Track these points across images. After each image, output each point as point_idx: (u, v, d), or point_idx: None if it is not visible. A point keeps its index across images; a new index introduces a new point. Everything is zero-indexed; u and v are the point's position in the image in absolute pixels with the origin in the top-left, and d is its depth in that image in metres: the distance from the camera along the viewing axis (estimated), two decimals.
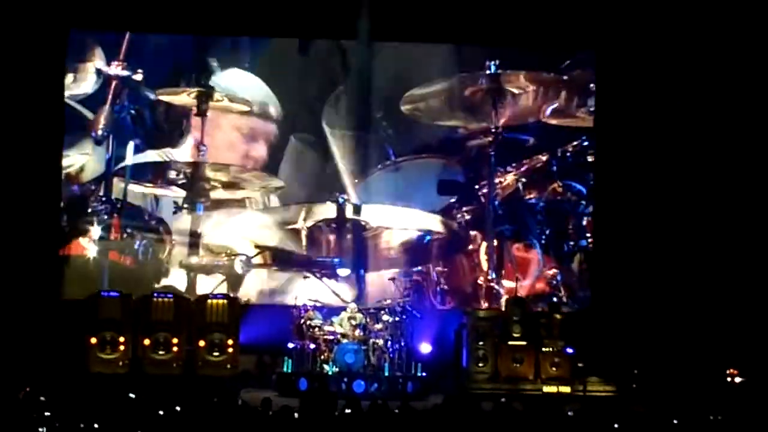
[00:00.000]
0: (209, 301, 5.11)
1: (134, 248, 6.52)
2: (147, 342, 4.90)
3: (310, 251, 6.98)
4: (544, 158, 7.39)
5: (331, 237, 6.98)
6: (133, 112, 6.74)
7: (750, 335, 4.94)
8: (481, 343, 5.42)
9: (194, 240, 6.69)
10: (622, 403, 4.80)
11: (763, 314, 4.96)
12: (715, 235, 5.13)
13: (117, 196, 6.46)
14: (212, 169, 6.74)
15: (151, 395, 4.38)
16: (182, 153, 8.26)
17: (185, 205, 6.82)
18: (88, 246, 6.19)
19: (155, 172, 6.83)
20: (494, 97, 7.02)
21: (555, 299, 6.94)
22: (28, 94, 5.32)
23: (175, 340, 4.94)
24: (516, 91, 7.14)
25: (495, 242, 6.98)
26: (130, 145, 6.91)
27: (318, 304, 5.95)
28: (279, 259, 7.25)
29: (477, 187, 7.46)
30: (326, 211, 6.84)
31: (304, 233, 6.94)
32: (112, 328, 4.89)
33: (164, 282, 6.67)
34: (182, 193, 6.78)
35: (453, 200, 7.51)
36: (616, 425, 4.04)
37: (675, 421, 4.04)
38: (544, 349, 5.32)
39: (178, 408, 4.20)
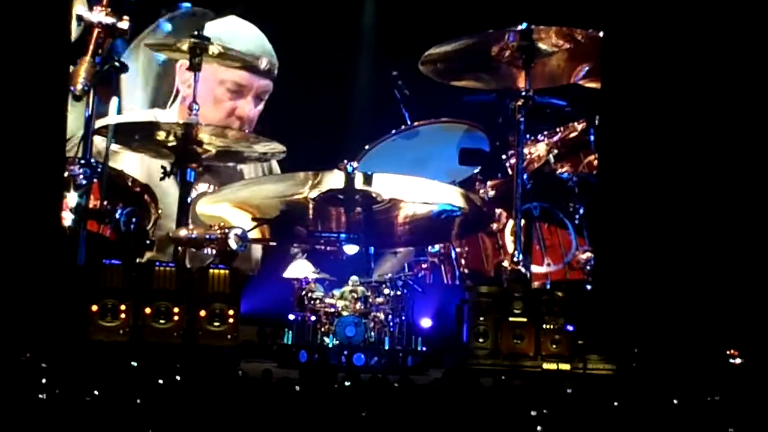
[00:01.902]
0: (211, 270, 6.58)
1: (115, 218, 7.68)
2: (148, 310, 6.36)
3: (314, 225, 8.42)
4: (579, 126, 9.05)
5: (339, 210, 8.31)
6: (117, 64, 7.66)
7: (751, 316, 6.55)
8: (481, 318, 6.93)
9: (183, 210, 7.90)
10: (621, 381, 6.34)
11: (764, 295, 6.64)
12: (720, 215, 6.58)
13: (97, 159, 7.39)
14: (206, 132, 7.87)
15: (152, 364, 5.85)
16: (171, 115, 9.68)
17: (175, 171, 8.00)
18: (63, 214, 7.07)
19: (142, 133, 8.07)
20: (524, 56, 8.30)
21: (589, 287, 8.66)
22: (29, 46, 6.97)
23: (176, 309, 6.39)
24: (548, 49, 8.45)
25: (522, 221, 8.24)
26: (114, 102, 8.07)
27: (320, 277, 7.52)
28: (279, 233, 8.90)
29: (504, 157, 9.16)
30: (334, 180, 8.11)
31: (309, 205, 8.32)
32: (113, 296, 6.36)
33: (149, 256, 8.05)
34: (171, 156, 7.96)
35: (476, 171, 9.23)
36: (615, 403, 5.75)
37: (674, 401, 5.71)
38: (544, 326, 6.83)
39: (177, 377, 5.68)
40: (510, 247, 8.67)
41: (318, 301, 7.40)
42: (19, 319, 6.31)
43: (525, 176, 8.62)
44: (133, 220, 8.03)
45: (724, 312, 6.71)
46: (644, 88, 7.02)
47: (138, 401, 5.44)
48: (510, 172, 8.98)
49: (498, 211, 9.00)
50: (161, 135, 8.06)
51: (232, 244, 7.65)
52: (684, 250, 6.86)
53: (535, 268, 8.62)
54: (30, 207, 6.49)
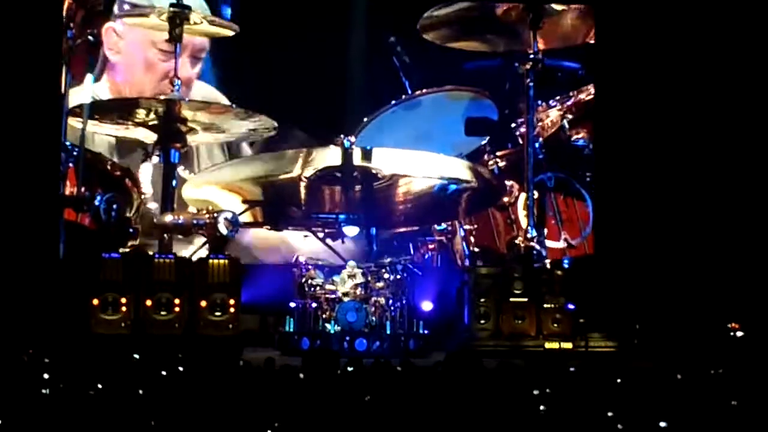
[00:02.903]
0: (211, 261, 8.16)
1: (94, 205, 9.12)
2: (149, 303, 7.94)
3: (310, 206, 9.86)
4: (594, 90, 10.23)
5: (336, 189, 9.81)
6: (91, 38, 9.21)
7: (751, 289, 8.12)
8: (482, 300, 8.64)
9: (168, 194, 9.33)
10: (624, 358, 7.84)
11: (763, 269, 8.11)
12: (720, 192, 8.22)
13: (73, 141, 8.90)
14: (190, 108, 9.36)
15: (154, 356, 7.30)
16: (101, 89, 10.74)
17: (157, 152, 9.51)
18: None
19: (121, 112, 9.45)
20: (532, 16, 9.67)
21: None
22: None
23: (177, 301, 7.96)
24: (559, 7, 9.84)
25: (536, 194, 9.68)
26: (88, 78, 9.62)
27: (319, 263, 9.16)
28: (272, 216, 10.27)
29: (513, 125, 10.61)
30: (329, 157, 9.57)
31: (302, 185, 9.78)
32: (114, 290, 7.95)
33: (132, 246, 9.27)
34: (153, 136, 9.46)
35: (484, 142, 10.62)
36: (618, 380, 6.92)
37: (677, 376, 6.88)
38: (545, 305, 8.52)
39: (180, 368, 7.09)
40: (523, 222, 10.11)
41: (318, 288, 9.05)
42: (19, 315, 7.94)
43: (537, 145, 10.10)
44: (114, 206, 9.46)
45: (726, 286, 8.39)
46: (640, 58, 8.74)
47: (141, 393, 6.72)
48: (521, 141, 10.40)
49: (509, 183, 10.48)
50: (141, 113, 9.48)
51: (222, 228, 9.01)
52: (685, 228, 8.49)
53: (550, 244, 10.02)
54: (28, 200, 8.29)
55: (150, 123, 9.57)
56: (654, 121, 8.79)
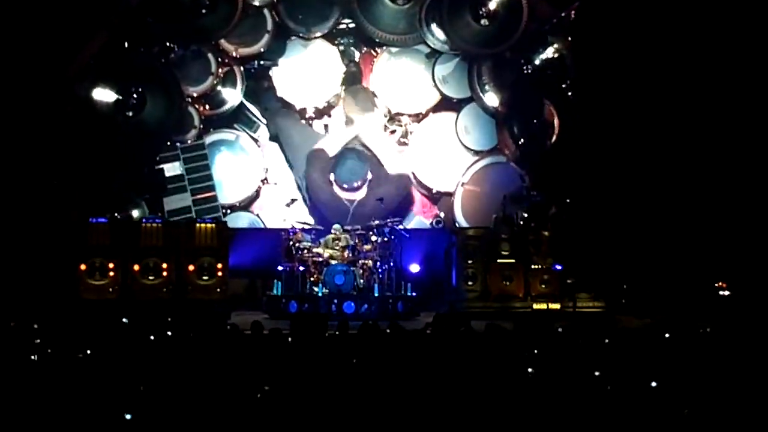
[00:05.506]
0: (198, 225, 10.01)
1: None
2: (136, 267, 9.90)
3: None
4: None
5: None
6: None
7: (737, 249, 9.97)
8: (470, 261, 10.74)
9: None
10: (612, 318, 9.70)
11: (750, 228, 9.96)
12: (705, 152, 10.10)
13: None
14: None
15: (142, 320, 9.05)
16: None
17: None
18: None
19: None
20: None
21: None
22: None
23: (164, 265, 9.91)
24: None
25: None
26: None
27: (306, 227, 11.08)
28: None
29: None
30: None
31: None
32: (101, 255, 9.90)
33: None
34: None
35: None
36: (606, 340, 8.65)
37: (665, 335, 8.61)
38: (533, 266, 10.65)
39: (168, 333, 8.85)
40: None
41: (306, 251, 11.06)
42: (8, 282, 9.87)
43: None
44: None
45: (712, 246, 10.36)
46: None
47: (130, 358, 8.26)
48: None
49: None
50: None
51: None
52: (671, 187, 10.39)
53: None
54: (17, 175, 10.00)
55: None
56: (636, 89, 11.18)
